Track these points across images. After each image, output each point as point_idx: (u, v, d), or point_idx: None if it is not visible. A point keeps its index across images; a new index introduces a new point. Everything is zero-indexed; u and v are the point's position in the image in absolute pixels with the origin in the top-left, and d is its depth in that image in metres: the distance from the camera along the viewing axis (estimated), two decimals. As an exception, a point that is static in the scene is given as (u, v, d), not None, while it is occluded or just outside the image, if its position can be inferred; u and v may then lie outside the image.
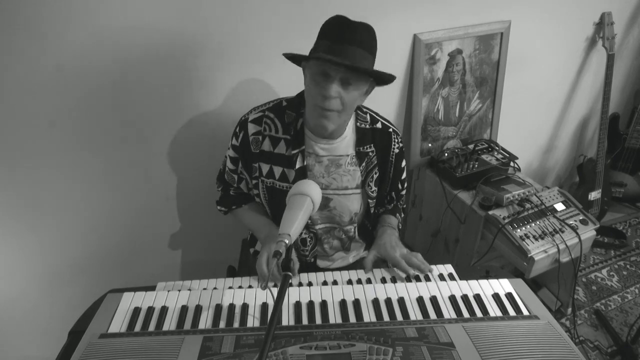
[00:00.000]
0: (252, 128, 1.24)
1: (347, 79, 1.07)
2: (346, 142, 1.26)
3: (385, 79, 1.12)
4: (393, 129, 1.32)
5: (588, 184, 2.50)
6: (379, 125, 1.30)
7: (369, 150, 1.28)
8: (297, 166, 1.22)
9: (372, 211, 1.37)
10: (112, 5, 1.29)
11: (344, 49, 1.05)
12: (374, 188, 1.32)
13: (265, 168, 1.26)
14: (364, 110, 1.31)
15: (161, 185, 1.67)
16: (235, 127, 1.28)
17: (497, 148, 2.09)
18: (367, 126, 1.29)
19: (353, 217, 1.34)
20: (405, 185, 1.46)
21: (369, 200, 1.33)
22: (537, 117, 2.43)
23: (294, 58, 1.14)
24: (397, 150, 1.33)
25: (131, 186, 1.63)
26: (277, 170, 1.25)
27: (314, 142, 1.24)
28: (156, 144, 1.59)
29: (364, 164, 1.28)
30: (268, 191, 1.29)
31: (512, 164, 2.02)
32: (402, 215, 1.49)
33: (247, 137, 1.24)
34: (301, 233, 1.31)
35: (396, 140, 1.32)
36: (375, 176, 1.31)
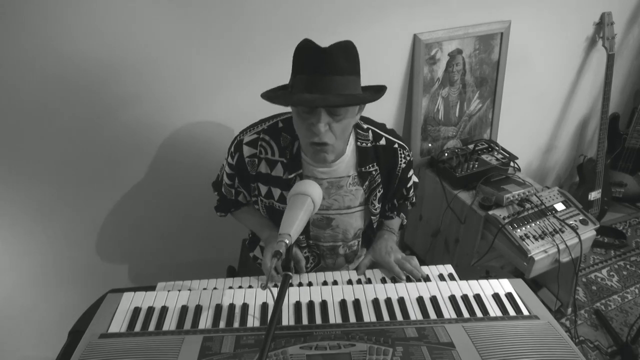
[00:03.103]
0: (247, 151, 1.19)
1: (334, 109, 1.02)
2: (346, 163, 1.20)
3: (375, 97, 1.07)
4: (399, 144, 1.24)
5: (588, 184, 2.50)
6: (382, 142, 1.23)
7: (371, 169, 1.22)
8: None
9: (374, 226, 1.35)
10: (113, 8, 1.29)
11: (323, 81, 0.99)
12: (377, 205, 1.28)
13: (263, 189, 1.23)
14: (365, 127, 1.22)
15: (161, 185, 1.67)
16: (230, 146, 1.23)
17: (497, 148, 2.09)
18: (369, 144, 1.21)
19: (357, 232, 1.32)
20: (413, 190, 1.40)
21: (372, 217, 1.31)
22: (537, 117, 2.43)
23: (273, 99, 1.05)
24: (403, 165, 1.26)
25: (131, 186, 1.63)
26: (276, 192, 1.22)
27: (312, 166, 1.19)
28: (156, 145, 1.59)
29: (367, 182, 1.23)
30: (268, 210, 1.28)
31: (512, 164, 2.03)
32: (410, 207, 1.45)
33: (242, 159, 1.20)
34: (302, 251, 1.30)
35: (402, 155, 1.25)
36: (379, 194, 1.26)
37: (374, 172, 1.23)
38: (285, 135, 1.18)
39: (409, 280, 1.22)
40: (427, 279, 1.21)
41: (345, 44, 1.01)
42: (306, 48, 1.02)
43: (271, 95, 1.06)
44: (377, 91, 1.09)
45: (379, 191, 1.26)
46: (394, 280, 1.22)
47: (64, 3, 1.24)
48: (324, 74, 0.99)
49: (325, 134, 1.04)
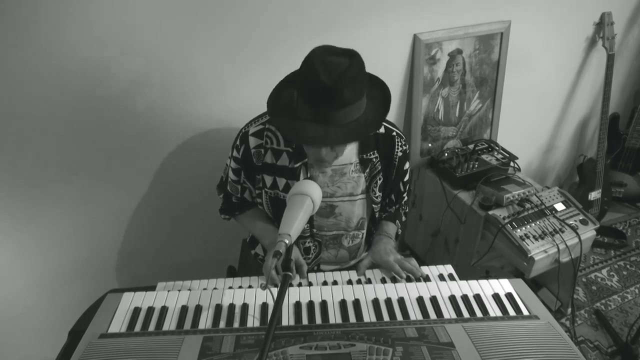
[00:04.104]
0: (253, 141, 1.21)
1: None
2: (349, 150, 1.23)
3: (379, 126, 1.10)
4: (397, 132, 1.29)
5: (588, 184, 2.50)
6: (381, 130, 1.27)
7: (372, 156, 1.25)
8: (301, 178, 1.21)
9: (376, 216, 1.36)
10: (115, 7, 1.29)
11: (328, 114, 1.00)
12: (378, 193, 1.30)
13: (268, 180, 1.24)
14: None
15: (161, 185, 1.67)
16: (236, 140, 1.25)
17: (497, 148, 2.09)
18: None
19: (360, 222, 1.34)
20: (407, 188, 1.43)
21: (373, 206, 1.32)
22: (537, 117, 2.43)
23: (277, 123, 1.10)
24: (400, 154, 1.30)
25: (131, 186, 1.63)
26: (281, 182, 1.23)
27: (314, 167, 1.22)
28: (157, 145, 1.59)
29: (367, 170, 1.26)
30: (271, 201, 1.28)
31: (512, 164, 2.03)
32: (404, 219, 1.48)
33: (248, 150, 1.22)
34: (305, 242, 1.31)
35: (400, 143, 1.29)
36: (379, 182, 1.29)
37: (374, 159, 1.26)
38: None
39: (408, 280, 1.22)
40: (427, 279, 1.21)
41: (353, 73, 0.97)
42: (312, 75, 0.98)
43: (276, 118, 1.10)
44: (382, 109, 1.09)
45: (379, 179, 1.28)
46: (394, 280, 1.23)
47: (67, 7, 1.24)
48: (329, 108, 1.00)
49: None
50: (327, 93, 0.97)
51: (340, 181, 1.25)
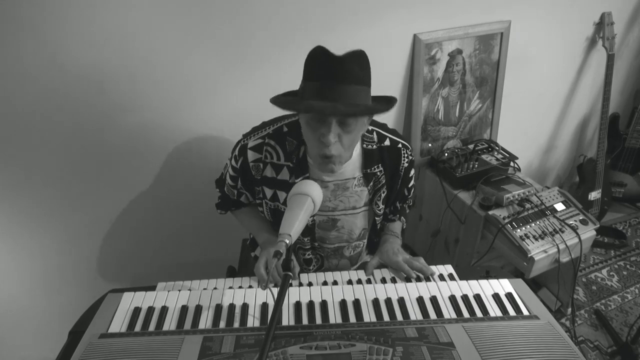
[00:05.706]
0: (251, 155, 1.19)
1: (345, 119, 1.01)
2: (352, 165, 1.21)
3: (387, 108, 1.04)
4: (402, 144, 1.26)
5: (588, 184, 2.50)
6: (387, 142, 1.24)
7: (376, 170, 1.23)
8: None
9: (378, 227, 1.36)
10: (112, 8, 1.29)
11: (336, 89, 0.97)
12: (381, 206, 1.29)
13: (268, 192, 1.23)
14: (370, 129, 1.23)
15: (161, 186, 1.67)
16: (234, 149, 1.23)
17: (497, 148, 2.09)
18: (374, 146, 1.22)
19: (362, 232, 1.33)
20: (413, 191, 1.41)
21: (376, 218, 1.32)
22: (537, 117, 2.43)
23: (284, 105, 1.03)
24: (406, 164, 1.28)
25: (132, 188, 1.63)
26: (282, 195, 1.22)
27: (318, 169, 1.18)
28: (157, 146, 1.59)
29: (371, 183, 1.24)
30: (272, 213, 1.28)
31: (512, 164, 2.03)
32: (408, 210, 1.47)
33: (246, 163, 1.20)
34: (305, 253, 1.31)
35: (405, 155, 1.26)
36: (382, 195, 1.27)
37: (378, 173, 1.24)
38: (291, 140, 1.18)
39: (408, 280, 1.22)
40: (427, 278, 1.22)
41: (359, 53, 1.00)
42: (319, 55, 0.99)
43: (281, 101, 1.04)
44: (387, 102, 1.07)
45: (383, 192, 1.27)
46: (394, 280, 1.23)
47: (65, 12, 1.24)
48: (336, 82, 0.97)
49: (334, 145, 1.04)
50: (335, 65, 0.97)
51: (342, 195, 1.24)
